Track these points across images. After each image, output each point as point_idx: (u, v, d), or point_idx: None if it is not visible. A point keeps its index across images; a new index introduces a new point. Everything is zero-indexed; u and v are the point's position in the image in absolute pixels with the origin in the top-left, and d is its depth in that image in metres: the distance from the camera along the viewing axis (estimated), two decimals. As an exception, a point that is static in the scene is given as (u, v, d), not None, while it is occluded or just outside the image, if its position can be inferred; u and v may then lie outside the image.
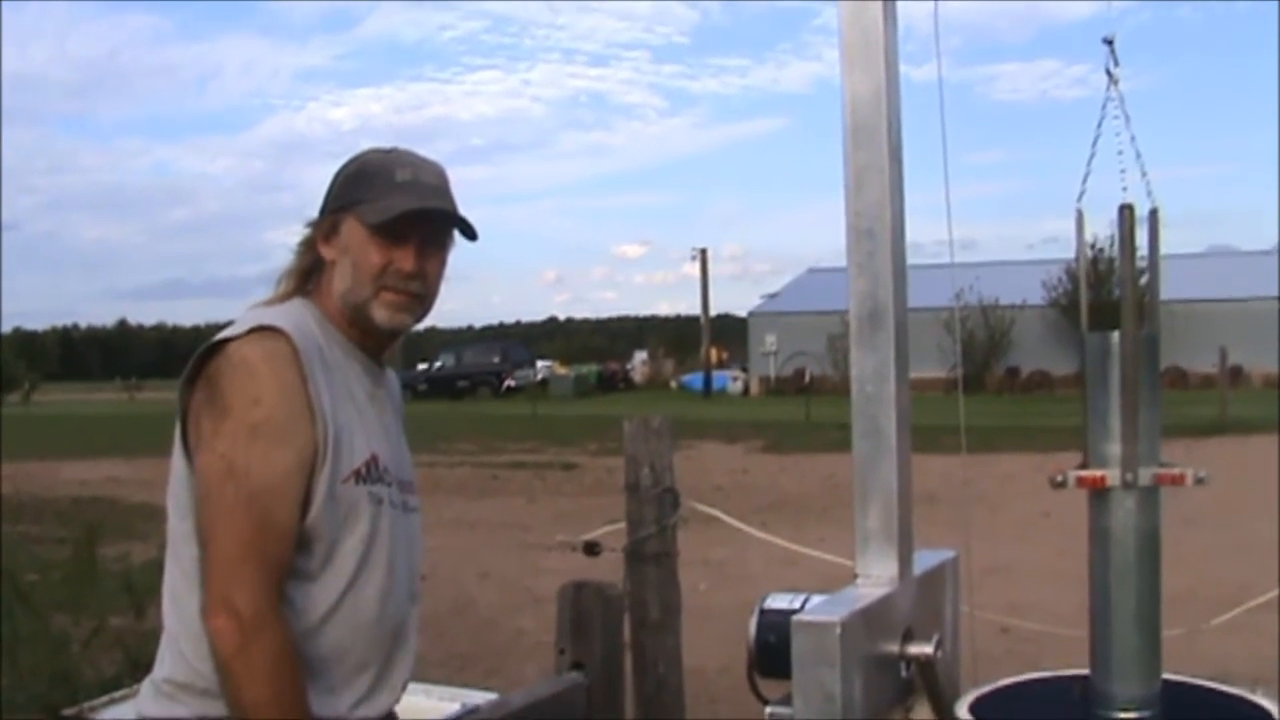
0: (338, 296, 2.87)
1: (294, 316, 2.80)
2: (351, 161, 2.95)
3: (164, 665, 2.79)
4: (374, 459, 2.82)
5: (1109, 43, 3.11)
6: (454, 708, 4.42)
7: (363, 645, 2.81)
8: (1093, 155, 3.08)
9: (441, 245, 2.94)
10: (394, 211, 2.80)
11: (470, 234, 2.95)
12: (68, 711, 5.91)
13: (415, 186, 2.86)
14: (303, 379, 2.68)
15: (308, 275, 2.93)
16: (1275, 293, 60.14)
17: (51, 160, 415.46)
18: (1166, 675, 3.01)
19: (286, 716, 2.60)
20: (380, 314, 2.85)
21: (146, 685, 2.84)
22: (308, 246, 2.94)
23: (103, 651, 8.00)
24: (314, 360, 2.72)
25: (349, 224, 2.85)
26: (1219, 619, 7.13)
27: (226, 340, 2.70)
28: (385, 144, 2.98)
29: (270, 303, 2.89)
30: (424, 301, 2.93)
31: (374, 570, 2.81)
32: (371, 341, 2.94)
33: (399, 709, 3.01)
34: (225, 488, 2.62)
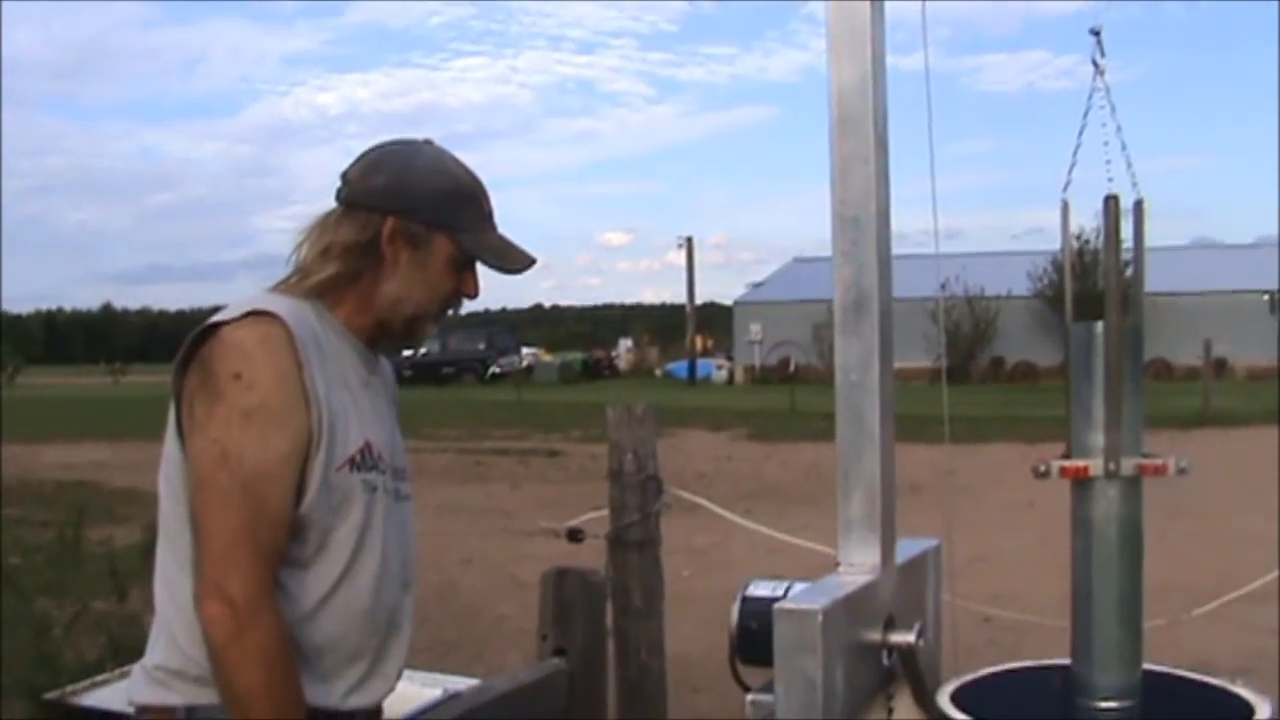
0: (387, 298, 2.86)
1: (287, 303, 2.78)
2: (441, 172, 2.91)
3: (156, 651, 2.78)
4: (368, 446, 2.81)
5: (1096, 34, 3.12)
6: (436, 694, 4.42)
7: (356, 634, 2.81)
8: (1078, 146, 3.08)
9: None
10: (512, 262, 2.89)
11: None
12: (50, 695, 5.90)
13: (493, 219, 2.94)
14: (298, 364, 2.67)
15: (357, 259, 2.84)
16: (1259, 285, 60.33)
17: (36, 143, 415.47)
18: (1147, 665, 3.02)
19: (279, 705, 2.59)
20: (429, 330, 2.93)
21: (138, 671, 2.83)
22: (367, 232, 2.84)
23: (85, 635, 7.99)
24: (309, 346, 2.71)
25: (441, 241, 2.85)
26: (1200, 610, 7.14)
27: (220, 324, 2.69)
28: (418, 135, 2.97)
29: (292, 287, 2.85)
30: None
31: (368, 558, 2.80)
32: (381, 336, 2.94)
33: None
34: (218, 473, 2.61)
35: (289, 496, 2.66)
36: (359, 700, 2.84)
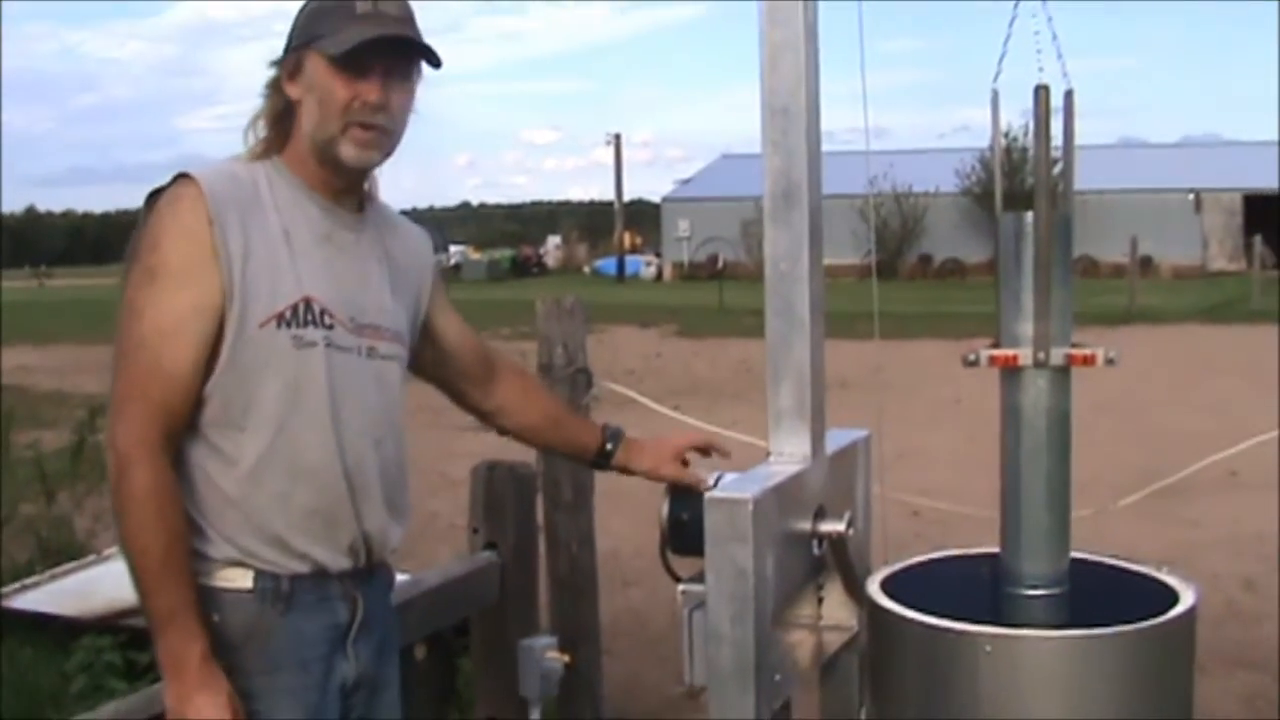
0: (306, 136, 2.85)
1: (223, 166, 2.82)
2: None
3: None
4: (305, 301, 2.79)
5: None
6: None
7: (306, 492, 2.81)
8: (1008, 36, 3.07)
9: (407, 76, 2.89)
10: (354, 41, 2.76)
11: (435, 62, 2.91)
12: (-22, 595, 5.89)
13: (376, 16, 2.81)
14: (208, 222, 2.68)
15: (280, 120, 2.89)
16: (1184, 185, 60.75)
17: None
18: (1075, 553, 3.04)
19: (148, 551, 2.63)
20: (348, 151, 2.83)
21: None
22: (274, 88, 2.90)
23: (14, 539, 7.97)
24: (227, 204, 2.72)
25: (312, 60, 2.82)
26: (1125, 501, 7.23)
27: (155, 192, 2.76)
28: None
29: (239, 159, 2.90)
30: (391, 136, 2.90)
31: (307, 415, 2.79)
32: (340, 181, 2.91)
33: None
34: (123, 330, 2.69)
35: (189, 353, 2.68)
36: (325, 557, 2.85)
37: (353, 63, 2.78)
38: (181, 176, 2.73)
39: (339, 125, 2.81)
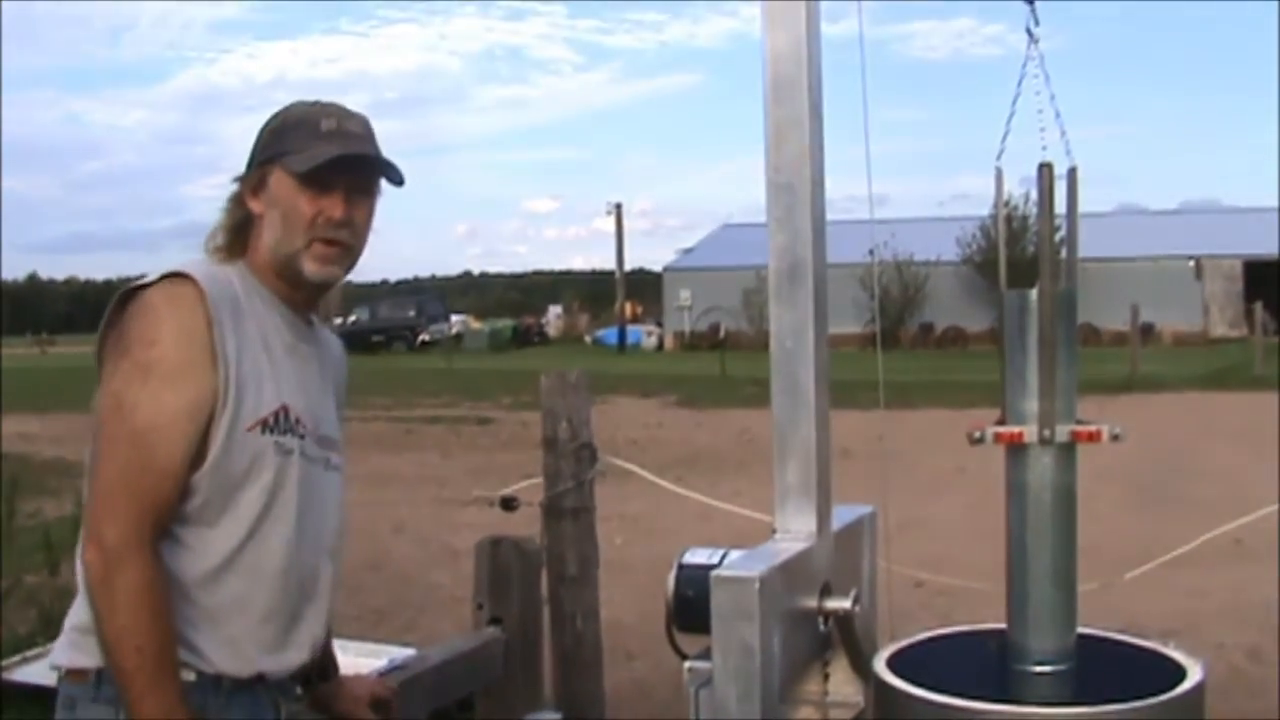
0: (267, 250, 2.87)
1: (210, 267, 2.82)
2: (276, 115, 2.94)
3: (75, 613, 2.78)
4: (284, 410, 2.82)
5: (1030, 2, 3.13)
6: (374, 664, 4.41)
7: (265, 595, 2.81)
8: (1012, 114, 3.09)
9: (369, 193, 2.94)
10: (321, 159, 2.80)
11: (397, 179, 2.96)
12: (-21, 669, 5.85)
13: (340, 135, 2.87)
14: (208, 323, 2.70)
15: (238, 231, 2.92)
16: (1184, 251, 60.89)
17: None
18: (1081, 629, 3.04)
19: (142, 650, 2.59)
20: (310, 266, 2.86)
21: (62, 634, 2.83)
22: (236, 202, 2.93)
23: (17, 609, 7.94)
24: (223, 307, 2.73)
25: (276, 175, 2.85)
26: (1131, 573, 7.21)
27: (140, 287, 2.74)
28: (307, 97, 2.98)
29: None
30: (353, 252, 2.93)
31: (278, 521, 2.80)
32: (300, 295, 2.94)
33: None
34: (111, 423, 2.67)
35: (181, 452, 2.67)
36: (270, 665, 2.84)
37: (318, 179, 2.82)
38: (176, 275, 2.73)
39: (303, 240, 2.84)
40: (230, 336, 2.72)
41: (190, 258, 2.87)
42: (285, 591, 2.84)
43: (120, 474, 2.64)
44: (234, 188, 2.93)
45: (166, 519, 2.68)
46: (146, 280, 2.74)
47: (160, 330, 2.68)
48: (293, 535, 2.83)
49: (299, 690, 3.13)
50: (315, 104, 2.94)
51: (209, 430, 2.70)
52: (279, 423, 2.80)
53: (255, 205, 2.89)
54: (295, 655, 2.91)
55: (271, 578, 2.81)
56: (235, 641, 2.78)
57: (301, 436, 2.85)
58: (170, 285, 2.72)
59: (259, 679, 2.83)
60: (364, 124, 2.94)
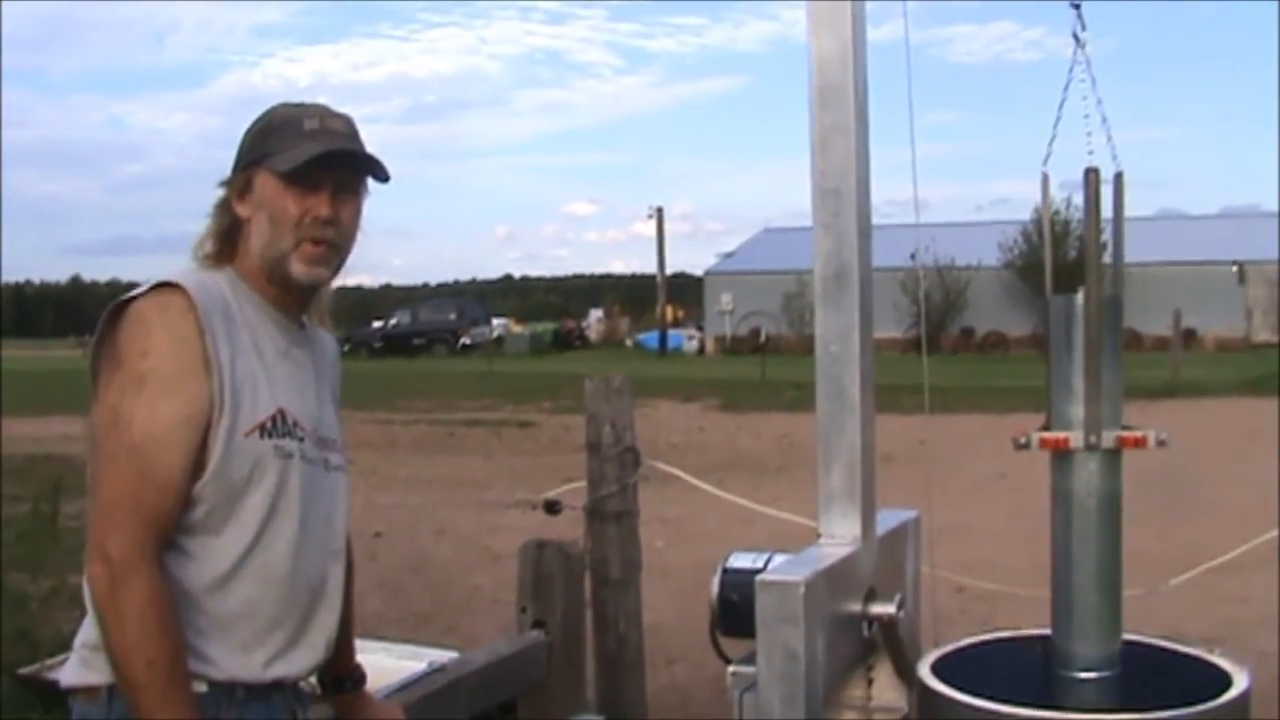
0: (256, 253, 2.87)
1: (199, 275, 2.83)
2: (259, 119, 2.94)
3: (84, 630, 2.78)
4: (281, 413, 2.82)
5: (1076, 6, 3.12)
6: (414, 666, 4.42)
7: (274, 601, 2.81)
8: (1059, 119, 3.09)
9: (355, 192, 2.93)
10: (304, 157, 2.80)
11: (383, 176, 2.95)
12: (25, 670, 5.88)
13: (324, 133, 2.86)
14: (199, 331, 2.70)
15: (227, 237, 2.92)
16: (1226, 256, 60.56)
17: (5, 116, 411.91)
18: (1126, 635, 3.03)
19: (152, 664, 2.58)
20: (298, 268, 2.85)
21: (72, 652, 2.83)
22: (223, 207, 2.93)
23: (61, 610, 7.97)
24: (214, 314, 2.73)
25: (261, 178, 2.85)
26: (1176, 580, 7.17)
27: (129, 299, 2.74)
28: (317, 100, 2.98)
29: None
30: (340, 251, 2.92)
31: (282, 525, 2.81)
32: (291, 298, 2.93)
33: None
34: (109, 437, 2.66)
35: (180, 462, 2.67)
36: (282, 670, 2.84)
37: (303, 179, 2.82)
38: (166, 285, 2.73)
39: (291, 241, 2.84)
40: (223, 343, 2.73)
41: (180, 266, 2.88)
42: (294, 594, 2.84)
43: (121, 487, 2.63)
44: (220, 193, 2.93)
45: (170, 530, 2.68)
46: (136, 292, 2.75)
47: (152, 341, 2.68)
48: (298, 538, 2.83)
49: (320, 691, 3.18)
50: (298, 105, 2.95)
51: (207, 439, 2.70)
52: (277, 426, 2.80)
53: (242, 209, 2.89)
54: (309, 656, 2.91)
55: (279, 581, 2.81)
56: (246, 646, 2.78)
57: (301, 439, 2.86)
58: (160, 295, 2.73)
59: (274, 685, 2.84)
60: (348, 123, 2.94)
